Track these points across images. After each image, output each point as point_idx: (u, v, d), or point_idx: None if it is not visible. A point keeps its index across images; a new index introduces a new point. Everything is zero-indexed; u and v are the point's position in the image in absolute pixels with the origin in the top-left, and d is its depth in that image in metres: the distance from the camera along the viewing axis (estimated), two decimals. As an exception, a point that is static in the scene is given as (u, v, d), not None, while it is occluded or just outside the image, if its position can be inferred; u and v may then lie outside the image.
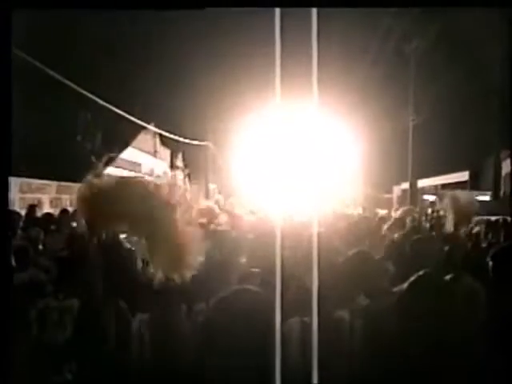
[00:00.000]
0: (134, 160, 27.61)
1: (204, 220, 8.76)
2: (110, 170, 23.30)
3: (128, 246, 5.09)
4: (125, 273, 4.41)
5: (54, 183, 18.05)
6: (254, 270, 4.46)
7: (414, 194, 29.46)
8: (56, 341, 3.51)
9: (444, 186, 32.81)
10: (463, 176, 30.55)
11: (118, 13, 14.83)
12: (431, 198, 33.35)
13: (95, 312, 3.48)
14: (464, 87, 25.02)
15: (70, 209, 15.35)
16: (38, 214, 12.48)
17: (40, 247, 8.13)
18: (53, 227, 9.87)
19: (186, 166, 39.57)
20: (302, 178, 23.68)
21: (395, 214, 11.92)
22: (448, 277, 3.79)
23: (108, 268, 4.20)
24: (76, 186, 19.39)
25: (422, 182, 32.42)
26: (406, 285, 3.76)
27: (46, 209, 16.01)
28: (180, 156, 38.43)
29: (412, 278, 3.78)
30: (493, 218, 12.48)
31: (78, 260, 4.41)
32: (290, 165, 25.13)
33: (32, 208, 12.39)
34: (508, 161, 26.76)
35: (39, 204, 16.09)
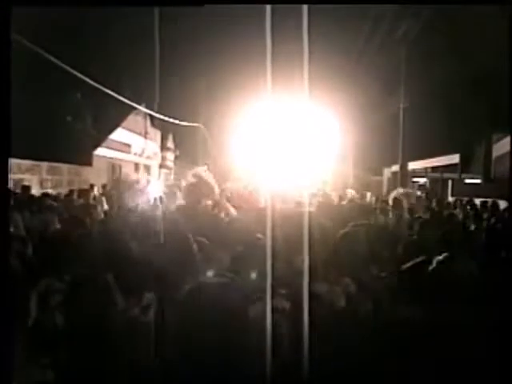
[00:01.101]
0: (124, 141, 27.54)
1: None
2: (101, 151, 23.38)
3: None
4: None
5: (44, 164, 17.99)
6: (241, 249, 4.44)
7: (405, 176, 29.50)
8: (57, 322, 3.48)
9: (434, 169, 32.93)
10: (453, 159, 30.62)
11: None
12: (421, 180, 33.54)
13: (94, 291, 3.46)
14: (455, 71, 24.98)
15: (55, 190, 15.40)
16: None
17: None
18: (34, 208, 9.83)
19: (176, 147, 39.51)
20: (292, 160, 23.66)
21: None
22: (443, 257, 3.79)
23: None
24: (66, 166, 19.45)
25: (413, 165, 32.49)
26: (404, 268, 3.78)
27: (36, 189, 16.00)
28: (170, 137, 38.35)
29: (408, 264, 3.80)
30: (483, 201, 12.55)
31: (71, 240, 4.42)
32: (281, 148, 25.09)
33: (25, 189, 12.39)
34: (498, 144, 26.86)
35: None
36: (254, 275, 3.75)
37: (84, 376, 3.17)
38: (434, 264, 3.71)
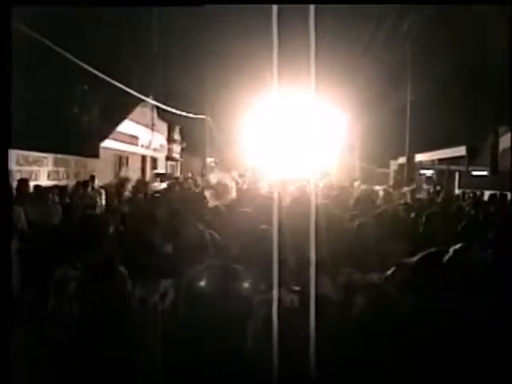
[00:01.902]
0: (131, 133, 27.54)
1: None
2: (108, 143, 23.41)
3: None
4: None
5: (51, 156, 17.99)
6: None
7: (411, 168, 29.47)
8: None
9: (441, 161, 32.83)
10: (460, 151, 30.53)
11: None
12: (428, 172, 33.45)
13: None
14: (463, 63, 24.90)
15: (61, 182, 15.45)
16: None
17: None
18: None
19: (183, 139, 39.52)
20: (300, 152, 23.65)
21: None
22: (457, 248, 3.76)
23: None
24: (73, 158, 19.46)
25: (420, 157, 32.41)
26: (414, 259, 3.76)
27: (44, 181, 16.04)
28: (177, 129, 38.35)
29: (421, 255, 3.78)
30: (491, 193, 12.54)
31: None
32: (287, 139, 25.08)
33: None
34: (505, 136, 26.78)
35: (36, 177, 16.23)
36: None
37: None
38: (451, 253, 3.70)
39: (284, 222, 3.77)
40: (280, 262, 3.24)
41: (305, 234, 3.15)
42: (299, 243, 3.63)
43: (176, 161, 39.23)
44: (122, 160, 27.18)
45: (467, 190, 16.00)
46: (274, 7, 3.16)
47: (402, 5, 24.95)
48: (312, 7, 3.16)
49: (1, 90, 3.33)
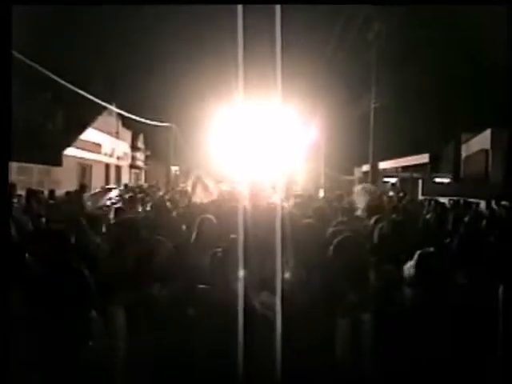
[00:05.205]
0: (94, 141, 27.30)
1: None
2: (71, 151, 23.15)
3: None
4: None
5: (13, 164, 17.71)
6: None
7: (375, 175, 29.62)
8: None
9: (405, 168, 33.18)
10: (423, 158, 30.93)
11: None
12: (392, 180, 33.76)
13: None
14: (426, 71, 25.24)
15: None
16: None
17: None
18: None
19: (147, 147, 39.34)
20: (264, 160, 23.60)
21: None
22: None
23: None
24: (36, 167, 19.15)
25: (383, 164, 32.67)
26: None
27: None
28: (141, 137, 38.16)
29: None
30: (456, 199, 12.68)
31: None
32: (253, 147, 25.03)
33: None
34: (467, 144, 27.28)
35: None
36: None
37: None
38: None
39: (251, 231, 3.75)
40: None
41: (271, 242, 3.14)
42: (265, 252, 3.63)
43: (140, 169, 39.00)
44: (84, 168, 26.90)
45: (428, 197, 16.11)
46: (240, 18, 3.16)
47: (367, 13, 25.21)
48: (278, 18, 3.16)
49: (1, 92, 3.28)
